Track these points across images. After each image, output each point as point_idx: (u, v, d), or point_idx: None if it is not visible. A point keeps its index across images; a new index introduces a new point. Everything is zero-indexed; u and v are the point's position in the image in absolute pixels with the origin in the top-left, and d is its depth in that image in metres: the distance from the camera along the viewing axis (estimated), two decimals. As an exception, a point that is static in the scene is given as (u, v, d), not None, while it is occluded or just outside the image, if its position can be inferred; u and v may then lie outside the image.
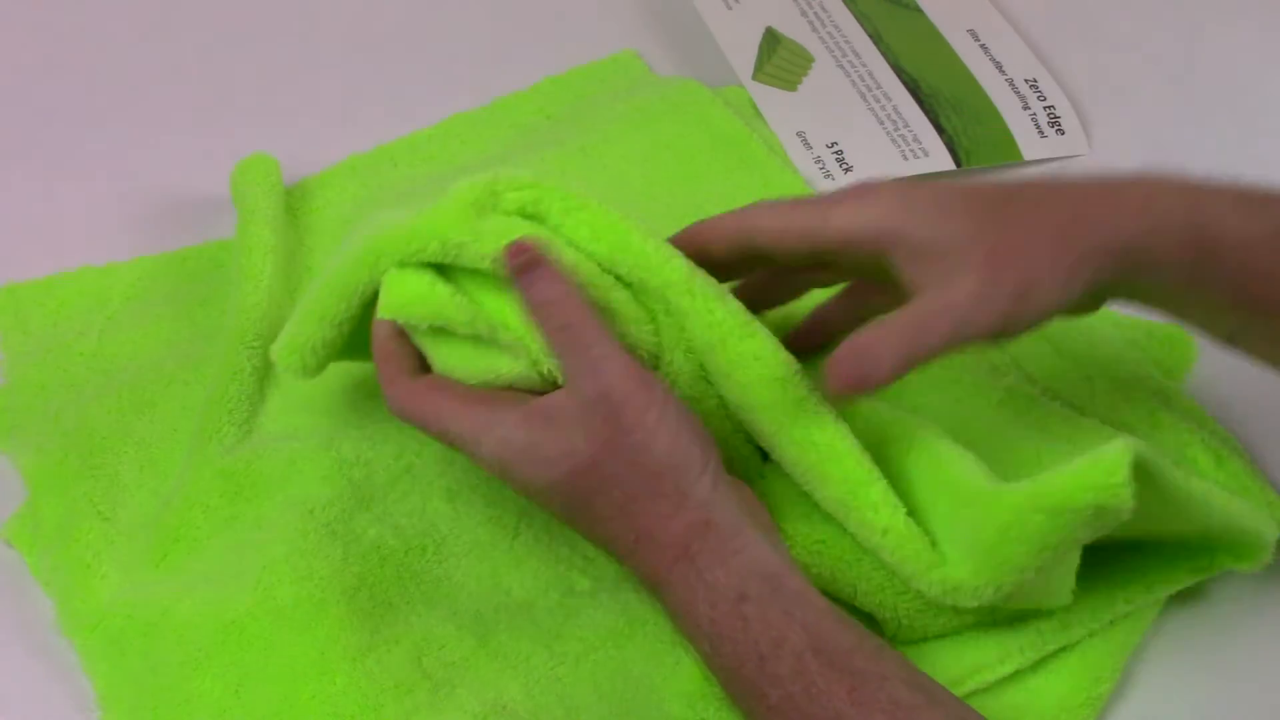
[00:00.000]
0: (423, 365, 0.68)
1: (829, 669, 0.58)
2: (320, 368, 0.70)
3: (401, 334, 0.67)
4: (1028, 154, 0.90)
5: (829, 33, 0.95)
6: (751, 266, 0.68)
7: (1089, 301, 0.64)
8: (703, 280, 0.65)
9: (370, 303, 0.67)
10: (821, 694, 0.58)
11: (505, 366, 0.65)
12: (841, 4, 0.97)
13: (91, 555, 0.70)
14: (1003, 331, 0.61)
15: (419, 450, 0.73)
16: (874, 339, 0.61)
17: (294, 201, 0.85)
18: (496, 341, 0.65)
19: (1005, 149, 0.90)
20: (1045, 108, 0.91)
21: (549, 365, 0.64)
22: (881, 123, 0.90)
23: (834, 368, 0.60)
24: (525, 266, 0.63)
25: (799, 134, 0.90)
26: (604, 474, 0.62)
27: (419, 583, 0.69)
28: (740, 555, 0.61)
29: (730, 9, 0.96)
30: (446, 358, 0.66)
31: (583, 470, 0.62)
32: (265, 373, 0.76)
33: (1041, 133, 0.91)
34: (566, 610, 0.69)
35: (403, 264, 0.65)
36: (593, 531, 0.64)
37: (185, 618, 0.67)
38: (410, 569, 0.69)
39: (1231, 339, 0.65)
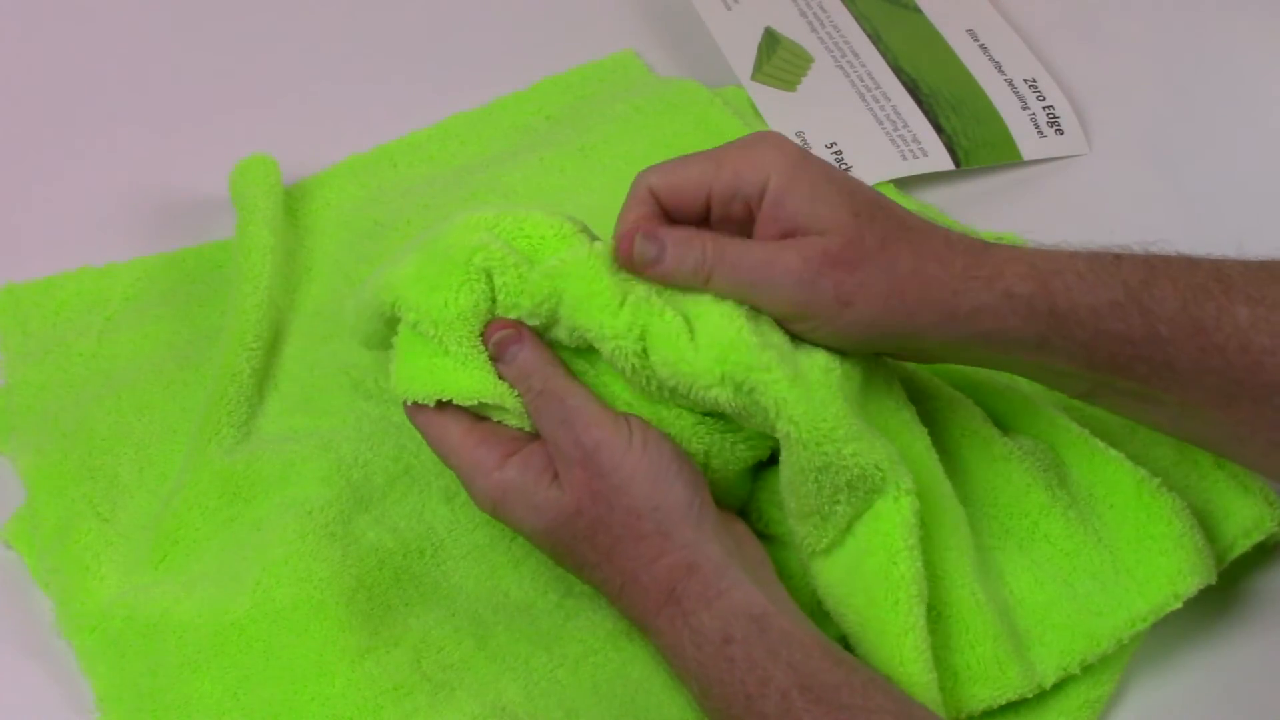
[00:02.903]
0: None
1: (815, 705, 0.58)
2: None
3: None
4: (1027, 154, 0.90)
5: (828, 33, 0.95)
6: None
7: (906, 351, 0.66)
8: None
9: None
10: None
11: (510, 403, 0.65)
12: (841, 4, 0.96)
13: (90, 556, 0.70)
14: (798, 323, 0.63)
15: (417, 452, 0.73)
16: (687, 239, 0.63)
17: (293, 202, 0.85)
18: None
19: (1004, 149, 0.90)
20: (1044, 107, 0.91)
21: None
22: (880, 123, 0.90)
23: (625, 241, 0.63)
24: (504, 343, 0.64)
25: (798, 134, 0.89)
26: (588, 520, 0.63)
27: (418, 584, 0.69)
28: (725, 597, 0.61)
29: (729, 9, 0.96)
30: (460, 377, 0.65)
31: (567, 518, 0.63)
32: (264, 374, 0.76)
33: (1040, 132, 0.90)
34: (565, 612, 0.69)
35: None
36: (582, 575, 0.65)
37: (184, 619, 0.67)
38: (409, 571, 0.69)
39: (1088, 396, 0.67)
